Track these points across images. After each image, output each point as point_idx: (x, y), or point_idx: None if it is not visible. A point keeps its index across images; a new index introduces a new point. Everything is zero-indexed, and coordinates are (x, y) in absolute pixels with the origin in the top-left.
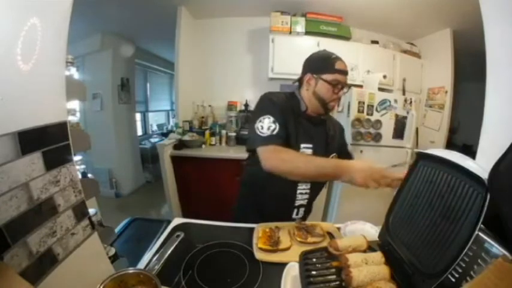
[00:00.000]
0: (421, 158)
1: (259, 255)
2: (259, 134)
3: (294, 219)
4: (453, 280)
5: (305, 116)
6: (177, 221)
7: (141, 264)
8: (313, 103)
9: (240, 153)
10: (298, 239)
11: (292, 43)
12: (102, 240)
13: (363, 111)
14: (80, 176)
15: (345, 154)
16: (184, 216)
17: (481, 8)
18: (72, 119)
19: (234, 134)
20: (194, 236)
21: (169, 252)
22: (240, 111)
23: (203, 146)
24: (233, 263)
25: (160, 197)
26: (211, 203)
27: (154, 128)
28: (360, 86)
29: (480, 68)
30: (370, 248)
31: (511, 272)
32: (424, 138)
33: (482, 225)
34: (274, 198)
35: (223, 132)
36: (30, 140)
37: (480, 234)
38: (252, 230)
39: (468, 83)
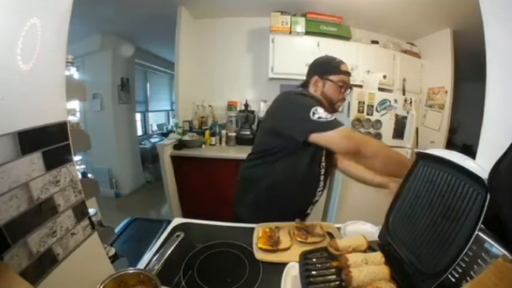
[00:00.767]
0: (421, 158)
1: (259, 255)
2: (323, 120)
3: (307, 215)
4: (453, 280)
5: None
6: (177, 221)
7: (141, 264)
8: (322, 103)
9: (240, 153)
10: (298, 239)
11: (292, 43)
12: (102, 240)
13: (363, 111)
14: (80, 176)
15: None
16: (184, 216)
17: (481, 8)
18: (72, 119)
19: (234, 134)
20: (194, 236)
21: (169, 252)
22: (240, 111)
23: (203, 146)
24: (233, 263)
25: (160, 197)
26: (211, 203)
27: (154, 128)
28: (360, 86)
29: (480, 68)
30: (370, 248)
31: (511, 272)
32: (424, 138)
33: (482, 225)
34: (295, 197)
35: (223, 132)
36: (30, 140)
37: (480, 234)
38: (252, 230)
39: (468, 83)
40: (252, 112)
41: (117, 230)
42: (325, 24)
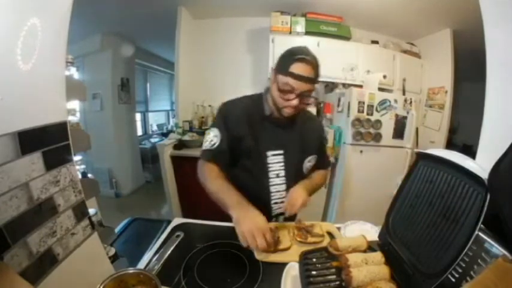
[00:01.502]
0: (421, 158)
1: (259, 255)
2: (203, 146)
3: (275, 217)
4: (453, 280)
5: (272, 120)
6: (177, 221)
7: (141, 264)
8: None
9: None
10: (298, 239)
11: (292, 43)
12: (102, 240)
13: (363, 111)
14: (80, 176)
15: (321, 156)
16: (184, 216)
17: (481, 8)
18: (72, 119)
19: None
20: (194, 236)
21: (169, 252)
22: None
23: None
24: (233, 263)
25: (160, 197)
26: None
27: (154, 128)
28: (360, 86)
29: (480, 68)
30: (370, 248)
31: (511, 272)
32: (424, 138)
33: (482, 225)
34: (251, 199)
35: None
36: (30, 140)
37: (480, 234)
38: None
39: (468, 83)
40: None
41: (117, 230)
42: (325, 24)
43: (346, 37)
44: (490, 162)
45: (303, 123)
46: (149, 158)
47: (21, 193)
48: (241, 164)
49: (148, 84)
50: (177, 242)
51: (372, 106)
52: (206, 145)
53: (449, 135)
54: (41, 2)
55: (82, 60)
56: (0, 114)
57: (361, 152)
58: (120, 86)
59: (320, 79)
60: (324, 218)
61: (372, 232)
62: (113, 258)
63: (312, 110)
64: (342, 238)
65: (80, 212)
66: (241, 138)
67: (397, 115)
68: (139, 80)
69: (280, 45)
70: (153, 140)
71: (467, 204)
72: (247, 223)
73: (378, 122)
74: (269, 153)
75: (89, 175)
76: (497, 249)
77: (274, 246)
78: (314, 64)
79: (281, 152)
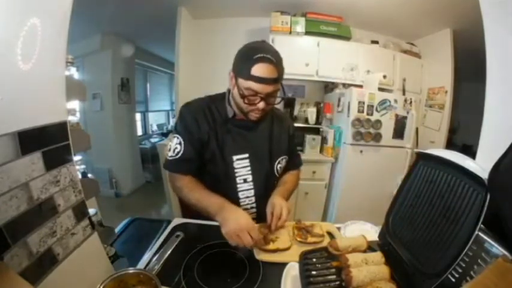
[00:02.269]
0: (421, 158)
1: (259, 255)
2: (167, 154)
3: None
4: (453, 280)
5: (235, 122)
6: (177, 221)
7: (141, 264)
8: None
9: None
10: (298, 239)
11: (292, 43)
12: (102, 240)
13: (363, 111)
14: (80, 176)
15: (292, 157)
16: (184, 216)
17: (481, 8)
18: (72, 119)
19: None
20: (194, 236)
21: (169, 252)
22: None
23: None
24: (233, 263)
25: (160, 197)
26: None
27: (154, 128)
28: (360, 86)
29: (480, 68)
30: (370, 248)
31: (511, 272)
32: (424, 138)
33: (482, 225)
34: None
35: None
36: (30, 140)
37: (480, 234)
38: None
39: (468, 83)
40: None
41: (117, 230)
42: (325, 24)
43: (346, 37)
44: (490, 162)
45: (271, 124)
46: (149, 158)
47: (21, 193)
48: (207, 170)
49: (148, 84)
50: (177, 242)
51: (372, 106)
52: (170, 154)
53: (449, 135)
54: (41, 2)
55: (82, 60)
56: (0, 114)
57: (361, 152)
58: (120, 86)
59: (284, 76)
60: (324, 218)
61: (371, 232)
62: (113, 258)
63: (312, 110)
64: (342, 238)
65: (80, 212)
66: (204, 143)
67: (397, 115)
68: (139, 80)
69: (281, 45)
70: (153, 140)
71: (467, 204)
72: (230, 224)
73: (378, 122)
74: (234, 157)
75: (89, 175)
76: (497, 249)
77: (265, 243)
78: (276, 61)
79: (246, 155)
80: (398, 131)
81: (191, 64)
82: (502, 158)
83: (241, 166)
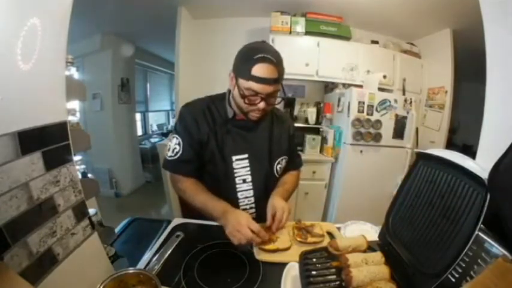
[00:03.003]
0: (421, 158)
1: (259, 255)
2: (166, 154)
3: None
4: (453, 280)
5: (235, 123)
6: (177, 221)
7: (141, 264)
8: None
9: None
10: (298, 239)
11: (292, 43)
12: (102, 240)
13: (363, 111)
14: (80, 176)
15: (292, 157)
16: (184, 216)
17: (481, 8)
18: (72, 119)
19: None
20: (194, 236)
21: (169, 252)
22: None
23: None
24: (233, 263)
25: (160, 197)
26: None
27: (154, 128)
28: (360, 86)
29: (480, 68)
30: (370, 248)
31: (511, 272)
32: (424, 138)
33: (482, 225)
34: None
35: None
36: (30, 140)
37: (480, 234)
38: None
39: (468, 83)
40: None
41: (117, 230)
42: (325, 24)
43: (346, 37)
44: (490, 162)
45: (271, 124)
46: (149, 158)
47: (21, 193)
48: (206, 170)
49: (148, 84)
50: (177, 242)
51: (372, 106)
52: (169, 154)
53: (449, 135)
54: (41, 2)
55: (82, 60)
56: (0, 114)
57: (361, 152)
58: (120, 86)
59: (284, 76)
60: (324, 218)
61: (371, 232)
62: (113, 258)
63: (312, 110)
64: (342, 238)
65: (80, 212)
66: (203, 143)
67: (397, 115)
68: (139, 80)
69: (281, 45)
70: (153, 140)
71: (467, 204)
72: (231, 223)
73: (378, 122)
74: (234, 157)
75: (89, 175)
76: (497, 249)
77: (269, 240)
78: (277, 62)
79: (246, 156)
80: (398, 131)
81: (191, 64)
82: (502, 158)
83: (241, 166)
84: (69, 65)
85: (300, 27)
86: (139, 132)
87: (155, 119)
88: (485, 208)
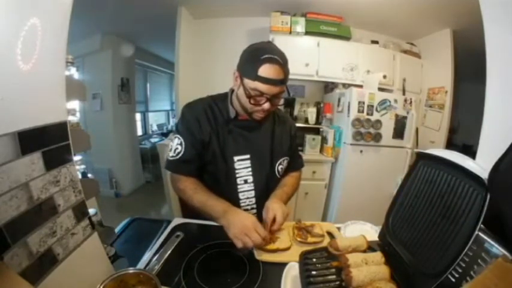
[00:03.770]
0: (421, 158)
1: (259, 255)
2: (168, 155)
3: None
4: (453, 280)
5: (237, 123)
6: (177, 221)
7: (141, 264)
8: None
9: None
10: (298, 239)
11: (292, 43)
12: (102, 240)
13: (363, 111)
14: (80, 176)
15: (293, 157)
16: (184, 216)
17: (481, 8)
18: (72, 119)
19: None
20: (194, 236)
21: (169, 252)
22: None
23: None
24: (233, 263)
25: (160, 197)
26: None
27: (154, 128)
28: (360, 86)
29: (480, 68)
30: (370, 248)
31: (511, 272)
32: (424, 138)
33: (482, 225)
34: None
35: None
36: (30, 140)
37: (480, 234)
38: None
39: (468, 83)
40: None
41: (117, 230)
42: (325, 24)
43: (346, 37)
44: (490, 162)
45: (273, 124)
46: (149, 158)
47: (21, 193)
48: (208, 170)
49: (148, 84)
50: (177, 242)
51: (372, 106)
52: (171, 154)
53: (449, 135)
54: (41, 2)
55: (82, 60)
56: (0, 114)
57: (361, 152)
58: (120, 86)
59: (290, 76)
60: (324, 218)
61: (371, 232)
62: (113, 258)
63: (312, 110)
64: (342, 238)
65: (80, 212)
66: (205, 143)
67: (397, 115)
68: (139, 80)
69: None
70: (153, 140)
71: (467, 204)
72: (237, 226)
73: (378, 122)
74: (235, 158)
75: (89, 175)
76: (497, 249)
77: (270, 241)
78: (283, 63)
79: (247, 156)
80: (398, 131)
81: (191, 64)
82: (502, 158)
83: (242, 167)
84: (69, 65)
85: (300, 27)
86: (140, 132)
87: (155, 119)
88: (485, 208)
